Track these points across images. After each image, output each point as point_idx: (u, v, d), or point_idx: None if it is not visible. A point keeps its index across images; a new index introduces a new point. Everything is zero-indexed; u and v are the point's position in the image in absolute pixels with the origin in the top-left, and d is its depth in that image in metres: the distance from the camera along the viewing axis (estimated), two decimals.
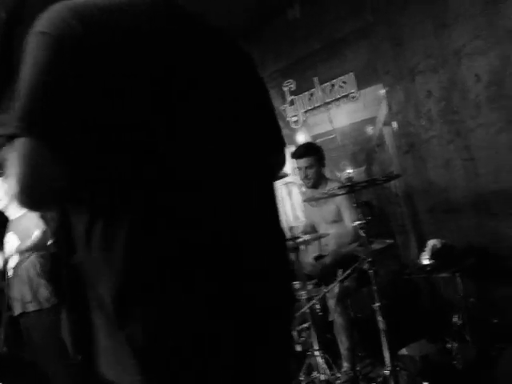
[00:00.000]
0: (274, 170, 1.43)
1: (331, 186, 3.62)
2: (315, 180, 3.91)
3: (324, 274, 3.59)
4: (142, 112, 0.96)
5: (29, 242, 3.54)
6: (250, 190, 1.20)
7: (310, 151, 3.93)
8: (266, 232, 1.24)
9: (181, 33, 1.12)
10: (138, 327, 0.95)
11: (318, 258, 3.98)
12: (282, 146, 1.42)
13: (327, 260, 3.70)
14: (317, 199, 3.80)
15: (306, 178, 3.91)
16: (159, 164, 0.98)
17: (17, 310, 3.56)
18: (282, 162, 1.46)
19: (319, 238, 3.71)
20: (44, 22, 0.95)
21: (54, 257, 3.59)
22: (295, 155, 3.98)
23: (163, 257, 0.97)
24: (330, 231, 3.83)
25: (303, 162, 3.90)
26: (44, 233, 3.56)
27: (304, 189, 4.03)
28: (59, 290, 3.58)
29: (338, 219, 3.87)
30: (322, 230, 4.02)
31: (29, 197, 0.91)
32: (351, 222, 3.63)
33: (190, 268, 0.99)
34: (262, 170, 1.28)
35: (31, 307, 3.49)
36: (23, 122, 0.89)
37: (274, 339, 1.18)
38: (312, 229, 4.14)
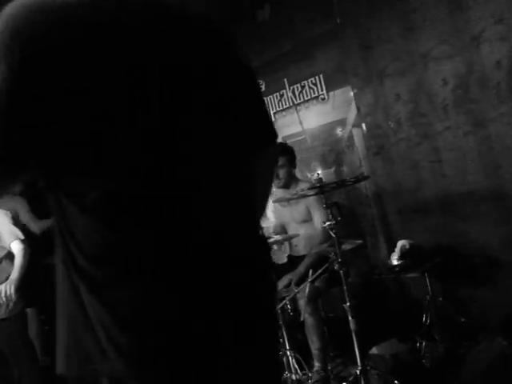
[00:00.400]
0: (270, 162, 1.47)
1: (302, 187, 3.65)
2: (286, 180, 3.92)
3: (300, 281, 3.59)
4: (112, 107, 0.95)
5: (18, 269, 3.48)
6: (233, 186, 1.21)
7: (281, 151, 3.94)
8: (248, 224, 1.26)
9: (160, 26, 1.08)
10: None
11: (289, 257, 4.00)
12: (274, 137, 1.43)
13: (301, 269, 3.71)
14: (287, 200, 3.81)
15: (277, 177, 3.92)
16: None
17: None
18: (276, 153, 1.47)
19: (290, 238, 3.72)
20: None
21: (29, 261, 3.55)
22: None
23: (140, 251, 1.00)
24: (300, 231, 3.85)
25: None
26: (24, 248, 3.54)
27: (274, 189, 4.04)
28: (25, 297, 3.52)
29: (307, 219, 3.89)
30: (291, 229, 4.04)
31: None
32: (321, 222, 3.66)
33: (171, 260, 1.02)
34: (248, 166, 1.28)
35: None
36: None
37: (257, 321, 1.21)
38: (282, 229, 4.16)
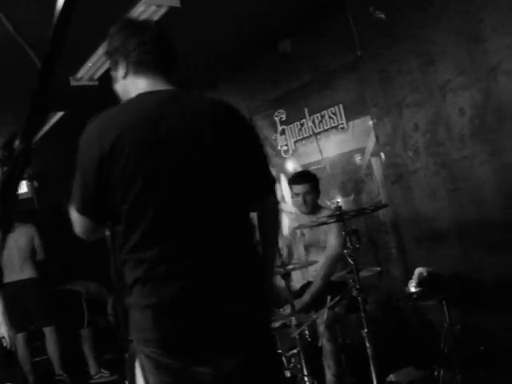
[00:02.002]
0: (272, 208, 1.96)
1: (324, 214, 3.75)
2: (312, 206, 4.02)
3: (305, 309, 3.67)
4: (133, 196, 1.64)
5: None
6: (229, 228, 1.75)
7: (308, 178, 4.05)
8: (241, 256, 1.78)
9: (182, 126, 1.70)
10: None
11: (307, 285, 4.05)
12: (274, 188, 1.93)
13: (306, 297, 3.80)
14: (307, 227, 3.88)
15: (304, 203, 4.01)
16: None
17: None
18: (276, 201, 1.98)
19: (309, 264, 3.79)
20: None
21: None
22: (294, 181, 4.09)
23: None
24: (322, 256, 3.94)
25: (302, 187, 4.00)
26: None
27: (294, 215, 4.14)
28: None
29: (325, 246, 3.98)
30: (313, 254, 4.10)
31: (81, 236, 1.81)
32: (334, 246, 3.78)
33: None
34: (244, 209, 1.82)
35: None
36: (77, 207, 1.71)
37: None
38: (290, 257, 4.25)
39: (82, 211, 1.70)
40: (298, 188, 4.03)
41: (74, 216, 1.73)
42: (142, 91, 1.75)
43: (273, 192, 1.92)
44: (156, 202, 1.61)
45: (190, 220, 1.64)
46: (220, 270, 1.67)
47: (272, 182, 1.91)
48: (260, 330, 1.76)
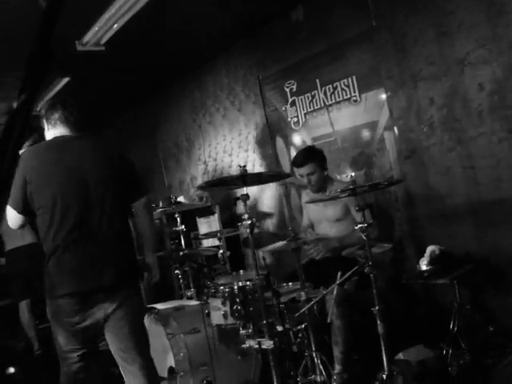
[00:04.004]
0: (145, 206, 2.97)
1: (337, 187, 3.67)
2: (319, 185, 3.92)
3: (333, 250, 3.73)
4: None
5: None
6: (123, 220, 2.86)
7: (309, 158, 3.91)
8: (118, 238, 2.78)
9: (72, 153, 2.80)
10: None
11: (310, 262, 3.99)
12: (145, 192, 3.01)
13: (334, 242, 3.78)
14: (321, 201, 3.80)
15: (309, 183, 3.92)
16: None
17: None
18: (147, 202, 2.98)
19: (320, 239, 3.72)
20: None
21: None
22: (295, 164, 3.97)
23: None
24: (332, 230, 3.87)
25: (304, 169, 3.89)
26: None
27: (308, 190, 4.06)
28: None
29: (342, 218, 3.91)
30: (322, 228, 4.03)
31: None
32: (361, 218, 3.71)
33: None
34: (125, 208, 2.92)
35: None
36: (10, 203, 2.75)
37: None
38: (311, 228, 4.17)
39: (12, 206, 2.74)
40: (300, 170, 3.93)
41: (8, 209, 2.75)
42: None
43: (143, 196, 2.95)
44: (63, 205, 2.67)
45: (86, 215, 2.69)
46: (102, 247, 2.69)
47: (142, 190, 2.98)
48: (126, 285, 2.76)
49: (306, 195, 4.19)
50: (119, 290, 2.71)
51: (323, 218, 4.02)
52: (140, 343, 2.80)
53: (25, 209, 2.72)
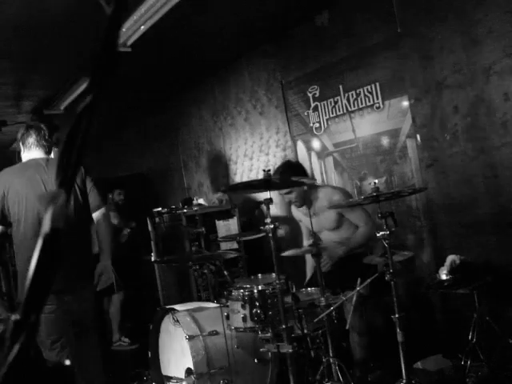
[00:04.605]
0: (102, 217, 3.59)
1: (323, 195, 3.80)
2: (301, 200, 3.95)
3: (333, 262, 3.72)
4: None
5: None
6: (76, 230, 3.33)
7: (282, 185, 3.77)
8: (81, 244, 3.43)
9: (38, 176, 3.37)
10: None
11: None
12: (103, 205, 3.61)
13: (340, 251, 3.77)
14: (344, 206, 3.79)
15: (290, 201, 4.00)
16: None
17: None
18: (104, 214, 3.63)
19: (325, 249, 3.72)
20: None
21: None
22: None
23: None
24: (335, 236, 3.89)
25: (283, 197, 3.99)
26: None
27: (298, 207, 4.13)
28: None
29: (339, 225, 3.92)
30: (325, 235, 4.02)
31: None
32: (362, 220, 3.74)
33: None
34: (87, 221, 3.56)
35: None
36: None
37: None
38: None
39: None
40: (281, 196, 4.03)
41: None
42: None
43: (100, 208, 3.56)
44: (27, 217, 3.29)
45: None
46: (69, 252, 2.87)
47: (100, 203, 3.58)
48: (85, 282, 3.45)
49: (296, 210, 4.20)
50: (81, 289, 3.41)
51: (322, 228, 4.01)
52: None
53: (3, 220, 3.35)
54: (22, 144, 3.54)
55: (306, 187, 3.91)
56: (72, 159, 0.62)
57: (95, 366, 3.51)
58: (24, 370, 0.62)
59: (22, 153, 3.58)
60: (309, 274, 4.16)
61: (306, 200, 3.95)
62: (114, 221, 6.18)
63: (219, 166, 7.04)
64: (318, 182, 5.20)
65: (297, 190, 3.88)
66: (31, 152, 3.49)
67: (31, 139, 3.48)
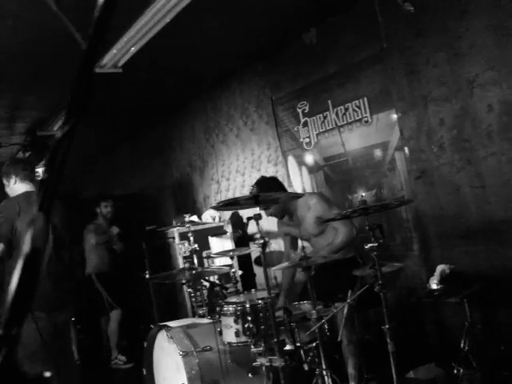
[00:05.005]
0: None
1: (301, 204, 3.83)
2: (280, 213, 4.01)
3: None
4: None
5: None
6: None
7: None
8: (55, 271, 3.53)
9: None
10: None
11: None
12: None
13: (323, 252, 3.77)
14: (331, 220, 3.81)
15: (273, 216, 4.06)
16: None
17: None
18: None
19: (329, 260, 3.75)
20: None
21: None
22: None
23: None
24: (321, 242, 3.89)
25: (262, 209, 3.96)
26: None
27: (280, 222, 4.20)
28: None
29: (321, 231, 3.92)
30: (314, 241, 4.03)
31: None
32: (342, 225, 3.73)
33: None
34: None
35: None
36: None
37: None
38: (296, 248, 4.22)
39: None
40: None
41: None
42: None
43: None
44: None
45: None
46: (50, 278, 3.42)
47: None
48: (67, 303, 3.72)
49: (281, 223, 4.24)
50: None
51: (310, 235, 4.02)
52: None
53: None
54: (16, 175, 3.63)
55: (281, 200, 3.95)
56: (51, 184, 0.67)
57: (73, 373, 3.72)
58: (5, 381, 0.66)
59: (13, 183, 3.64)
60: (284, 287, 4.19)
61: (287, 212, 4.00)
62: (92, 241, 6.37)
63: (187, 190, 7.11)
64: (298, 190, 5.27)
65: (273, 206, 3.93)
66: (24, 183, 3.62)
67: (25, 172, 3.63)
